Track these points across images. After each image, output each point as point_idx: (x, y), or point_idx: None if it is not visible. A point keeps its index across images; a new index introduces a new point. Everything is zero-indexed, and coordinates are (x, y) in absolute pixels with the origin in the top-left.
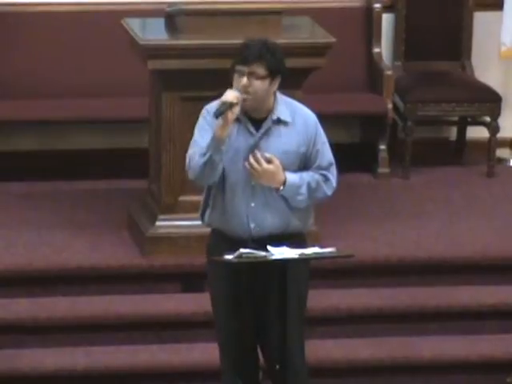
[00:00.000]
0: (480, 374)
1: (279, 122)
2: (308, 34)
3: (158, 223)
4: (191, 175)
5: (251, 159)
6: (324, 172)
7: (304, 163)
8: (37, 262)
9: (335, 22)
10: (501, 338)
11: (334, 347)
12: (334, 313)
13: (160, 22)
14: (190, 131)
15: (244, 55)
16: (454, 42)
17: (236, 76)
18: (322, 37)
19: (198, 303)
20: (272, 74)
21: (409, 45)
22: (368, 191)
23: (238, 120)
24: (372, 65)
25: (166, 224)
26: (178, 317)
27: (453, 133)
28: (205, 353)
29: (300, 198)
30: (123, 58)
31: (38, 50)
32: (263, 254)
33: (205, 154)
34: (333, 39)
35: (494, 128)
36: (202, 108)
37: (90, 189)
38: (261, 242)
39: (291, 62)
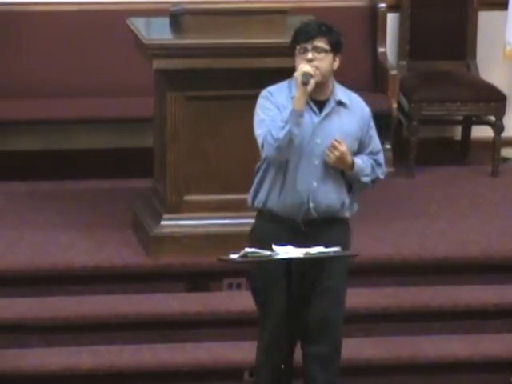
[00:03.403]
0: (484, 374)
1: (340, 104)
2: None
3: (162, 223)
4: (268, 151)
5: (334, 142)
6: (375, 157)
7: (358, 148)
8: (41, 262)
9: (340, 21)
10: (505, 338)
11: None
12: None
13: (164, 22)
14: (195, 130)
15: (306, 31)
16: (459, 42)
17: (299, 56)
18: None
19: (202, 303)
20: (333, 49)
21: (414, 44)
22: (372, 190)
23: None
24: (377, 64)
25: (171, 223)
26: (182, 316)
27: (457, 132)
28: (210, 352)
29: (365, 179)
30: (127, 57)
31: (41, 50)
32: (268, 253)
33: (283, 128)
34: None
35: (498, 127)
36: (206, 107)
37: (94, 188)
38: (312, 226)
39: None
